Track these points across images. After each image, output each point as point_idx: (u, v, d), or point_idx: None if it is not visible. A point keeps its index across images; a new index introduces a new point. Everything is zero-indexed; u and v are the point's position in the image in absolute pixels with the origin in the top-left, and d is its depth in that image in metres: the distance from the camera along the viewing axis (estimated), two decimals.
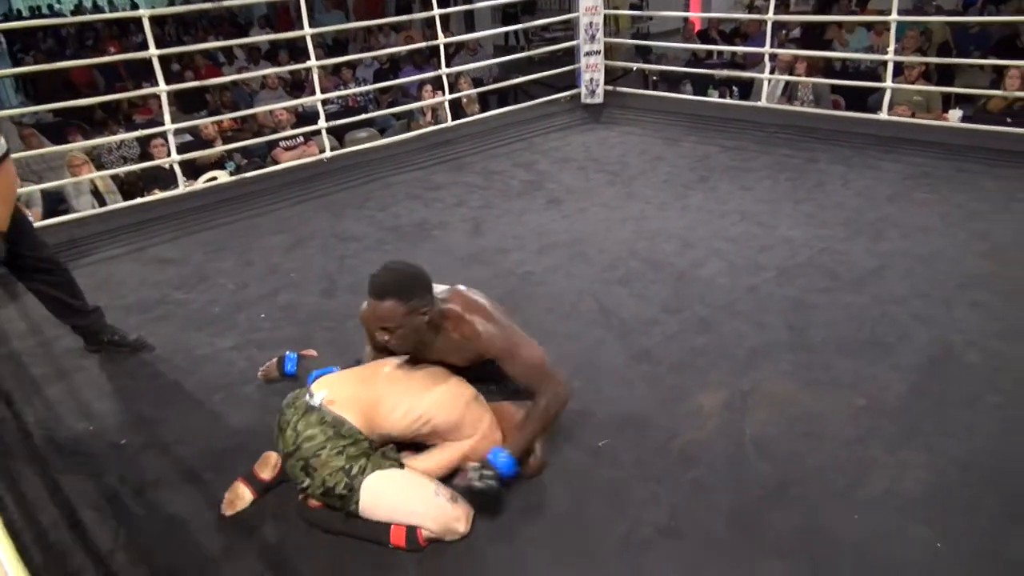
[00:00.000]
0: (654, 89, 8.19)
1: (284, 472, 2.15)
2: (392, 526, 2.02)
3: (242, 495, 2.21)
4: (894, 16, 5.35)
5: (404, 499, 2.02)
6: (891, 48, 5.52)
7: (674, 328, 3.08)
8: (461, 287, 2.26)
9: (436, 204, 4.78)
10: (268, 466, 2.23)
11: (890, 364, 2.73)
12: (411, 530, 2.01)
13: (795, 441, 2.38)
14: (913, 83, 5.85)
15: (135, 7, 19.31)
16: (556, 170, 5.29)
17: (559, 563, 1.97)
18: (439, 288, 2.21)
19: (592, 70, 6.84)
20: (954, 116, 5.68)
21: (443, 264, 3.81)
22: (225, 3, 6.16)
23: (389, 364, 2.25)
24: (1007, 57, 6.26)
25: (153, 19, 4.81)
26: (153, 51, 4.72)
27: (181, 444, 2.56)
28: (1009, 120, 5.38)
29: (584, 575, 1.93)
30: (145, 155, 6.10)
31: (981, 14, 8.73)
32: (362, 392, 2.13)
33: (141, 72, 9.82)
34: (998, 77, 6.01)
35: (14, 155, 4.94)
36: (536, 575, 1.95)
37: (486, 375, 2.31)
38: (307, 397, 2.09)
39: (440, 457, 2.20)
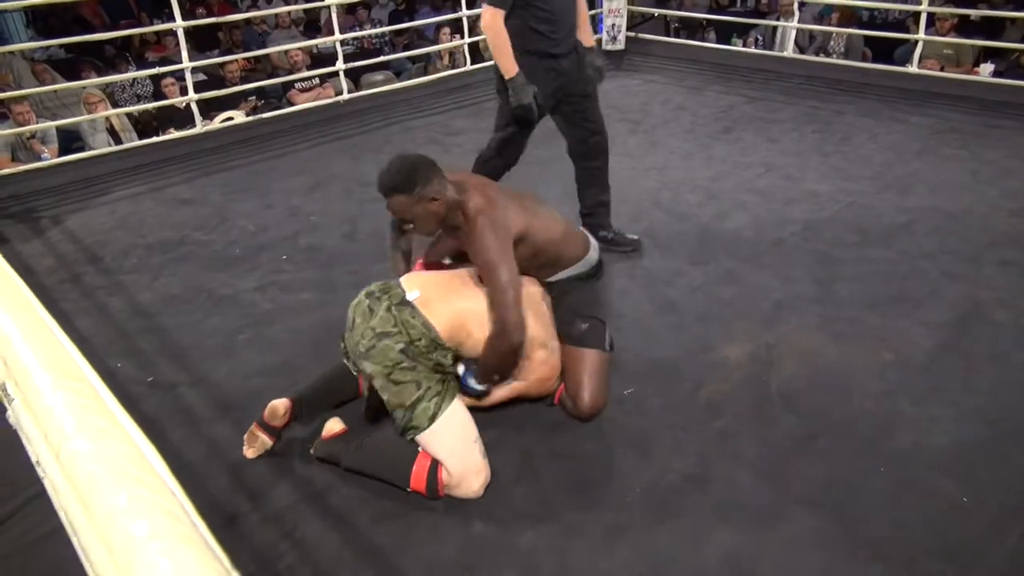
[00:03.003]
0: (675, 36, 8.00)
1: (345, 352, 2.20)
2: (416, 459, 2.02)
3: (262, 440, 2.22)
4: None
5: (447, 431, 2.01)
6: None
7: (699, 280, 3.06)
8: (484, 180, 2.26)
9: (456, 150, 4.72)
10: (277, 416, 2.20)
11: (918, 319, 2.72)
12: (433, 469, 2.01)
13: (822, 394, 2.38)
14: (945, 35, 5.70)
15: None
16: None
17: (584, 506, 2.00)
18: (461, 177, 2.21)
19: (614, 15, 6.68)
20: (985, 71, 5.55)
21: None
22: None
23: (475, 279, 2.20)
24: None
25: None
26: None
27: (207, 383, 2.58)
28: None
29: (610, 518, 1.95)
30: (158, 93, 6.02)
31: None
32: (454, 301, 2.11)
33: (153, 9, 9.61)
34: None
35: (27, 91, 4.91)
36: (561, 516, 1.97)
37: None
38: (400, 290, 2.10)
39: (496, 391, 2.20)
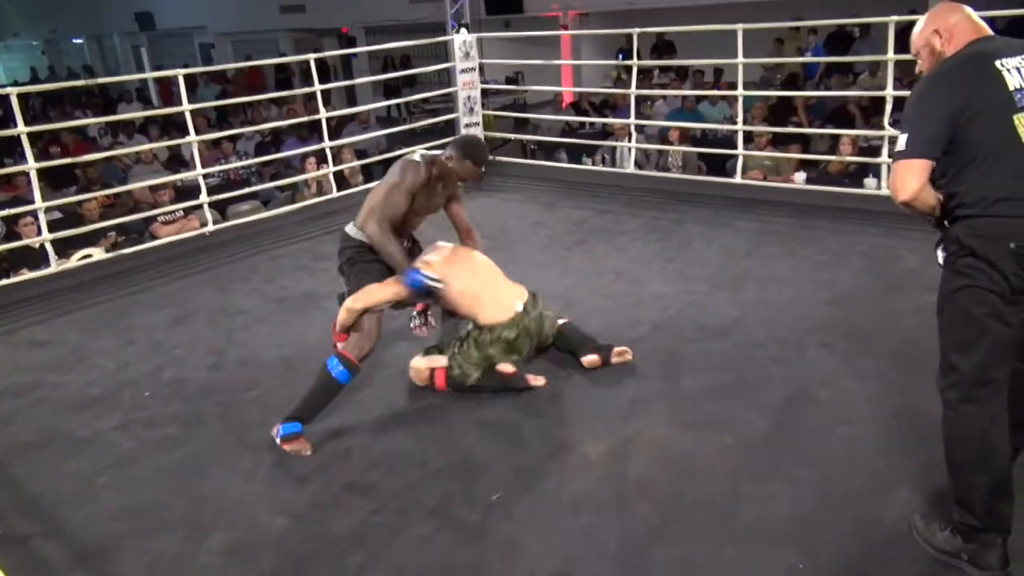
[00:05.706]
0: (532, 158, 8.59)
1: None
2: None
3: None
4: (740, 91, 5.94)
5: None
6: (740, 119, 6.09)
7: (560, 384, 3.25)
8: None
9: (324, 274, 4.82)
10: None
11: (753, 404, 3.00)
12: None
13: (673, 481, 2.57)
14: (763, 150, 6.47)
15: None
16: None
17: None
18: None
19: None
20: (799, 178, 6.29)
21: None
22: (100, 80, 6.08)
23: None
24: (841, 124, 7.04)
25: (19, 95, 4.69)
26: (22, 128, 4.60)
27: (63, 531, 2.47)
28: (846, 181, 6.03)
29: None
30: (11, 235, 5.81)
31: (819, 85, 9.72)
32: None
33: (3, 149, 9.34)
34: (836, 143, 6.72)
35: None
36: None
37: None
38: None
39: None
